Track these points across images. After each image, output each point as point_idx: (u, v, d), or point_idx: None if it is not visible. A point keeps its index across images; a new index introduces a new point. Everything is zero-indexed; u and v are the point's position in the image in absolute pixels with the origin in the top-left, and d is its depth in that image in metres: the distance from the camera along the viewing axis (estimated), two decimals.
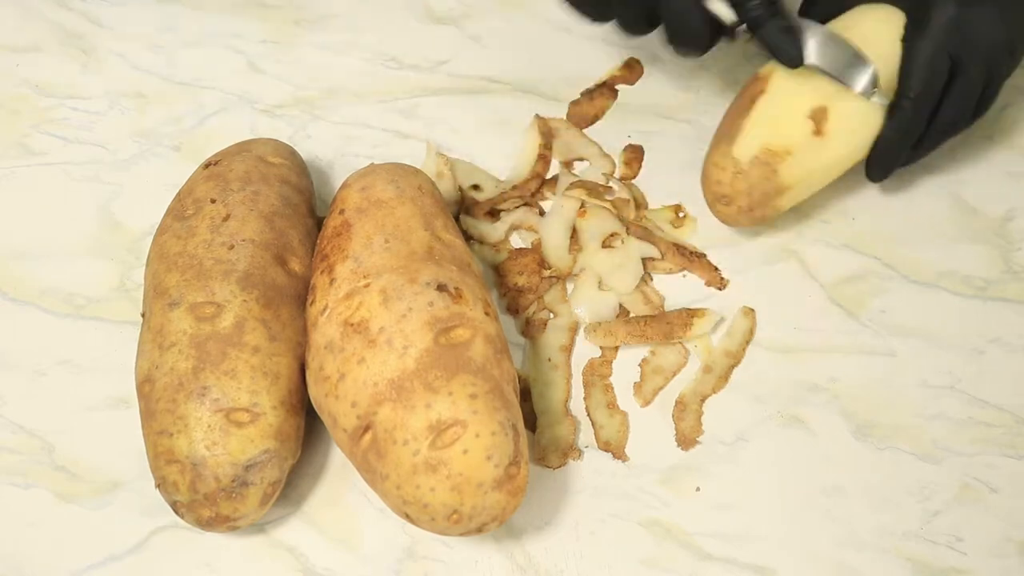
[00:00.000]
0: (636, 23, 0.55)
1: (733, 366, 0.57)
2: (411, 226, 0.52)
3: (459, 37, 0.68)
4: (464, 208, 0.62)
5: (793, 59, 0.53)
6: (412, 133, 0.66)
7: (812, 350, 0.57)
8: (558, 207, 0.62)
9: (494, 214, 0.62)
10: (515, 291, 0.59)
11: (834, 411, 0.56)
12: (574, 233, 0.61)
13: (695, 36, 0.53)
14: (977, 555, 0.52)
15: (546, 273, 0.60)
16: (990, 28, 0.54)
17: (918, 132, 0.56)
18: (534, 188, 0.63)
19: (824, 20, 0.56)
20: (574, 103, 0.67)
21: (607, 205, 0.61)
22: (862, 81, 0.54)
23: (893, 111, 0.55)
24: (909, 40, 0.55)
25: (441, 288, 0.49)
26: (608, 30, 0.58)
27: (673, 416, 0.56)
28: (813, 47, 0.54)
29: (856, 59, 0.54)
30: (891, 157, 0.57)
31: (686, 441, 0.55)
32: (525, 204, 0.62)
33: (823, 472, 0.54)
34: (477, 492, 0.45)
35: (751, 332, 0.58)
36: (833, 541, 0.52)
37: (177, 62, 0.68)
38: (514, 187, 0.63)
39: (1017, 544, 0.52)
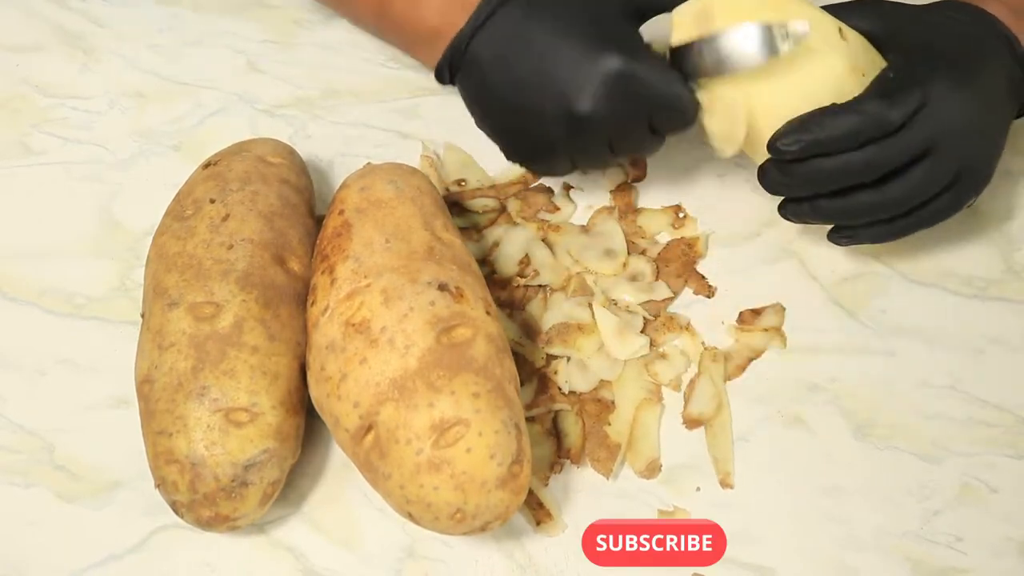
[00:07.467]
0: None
1: (752, 358, 0.57)
2: (411, 226, 0.52)
3: None
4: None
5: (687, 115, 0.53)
6: (412, 133, 0.65)
7: (812, 350, 0.57)
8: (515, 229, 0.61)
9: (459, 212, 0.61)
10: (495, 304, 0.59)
11: (834, 411, 0.56)
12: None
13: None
14: (977, 555, 0.52)
15: (534, 283, 0.59)
16: (965, 115, 0.50)
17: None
18: (510, 193, 0.62)
19: None
20: None
21: (532, 226, 0.61)
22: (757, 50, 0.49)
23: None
24: (872, 91, 0.50)
25: (442, 287, 0.49)
26: None
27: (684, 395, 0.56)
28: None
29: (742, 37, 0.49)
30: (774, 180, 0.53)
31: (692, 421, 0.55)
32: (502, 209, 0.62)
33: (823, 472, 0.54)
34: (481, 491, 0.45)
35: (778, 326, 0.58)
36: (833, 541, 0.52)
37: (177, 62, 0.68)
38: (491, 187, 0.63)
39: (1017, 544, 0.52)
